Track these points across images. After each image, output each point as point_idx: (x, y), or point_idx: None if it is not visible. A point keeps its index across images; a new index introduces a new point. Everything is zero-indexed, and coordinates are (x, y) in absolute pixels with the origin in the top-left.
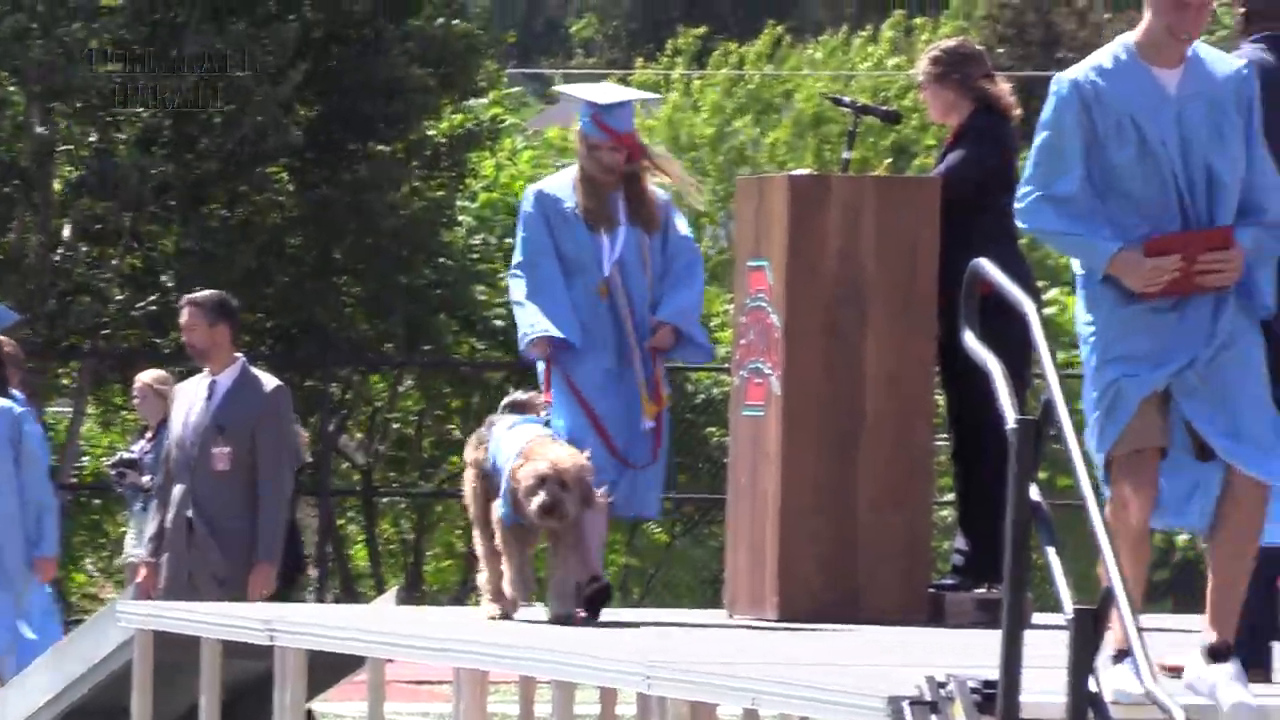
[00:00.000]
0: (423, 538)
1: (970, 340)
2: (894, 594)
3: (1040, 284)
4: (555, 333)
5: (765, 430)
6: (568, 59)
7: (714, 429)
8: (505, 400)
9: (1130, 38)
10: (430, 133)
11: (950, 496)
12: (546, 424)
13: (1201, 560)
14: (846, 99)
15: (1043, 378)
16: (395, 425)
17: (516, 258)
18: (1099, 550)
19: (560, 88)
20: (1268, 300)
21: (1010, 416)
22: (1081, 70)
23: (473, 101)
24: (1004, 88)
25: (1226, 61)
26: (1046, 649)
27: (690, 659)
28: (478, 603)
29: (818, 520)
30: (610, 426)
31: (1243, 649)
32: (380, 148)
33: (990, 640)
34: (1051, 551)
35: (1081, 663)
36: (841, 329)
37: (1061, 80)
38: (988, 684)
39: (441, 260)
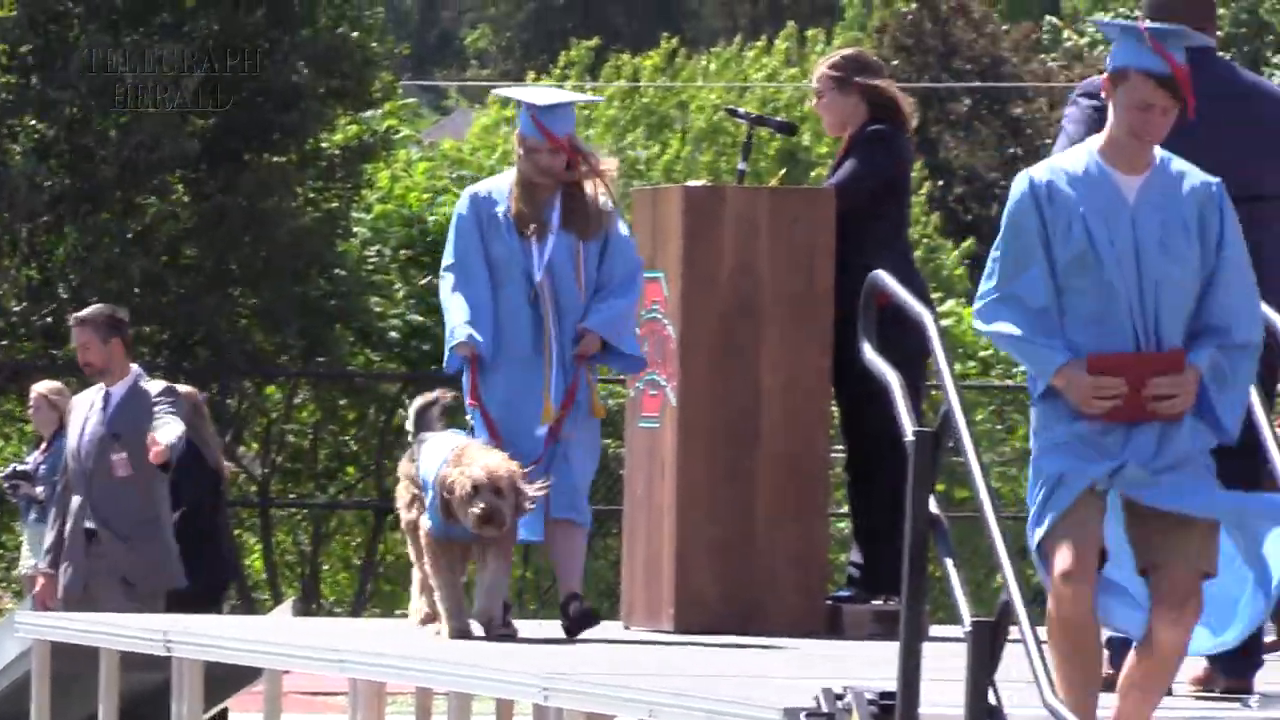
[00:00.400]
0: (319, 549)
1: (869, 352)
2: (791, 606)
3: (935, 295)
4: (479, 336)
5: (661, 442)
6: (462, 70)
7: (610, 441)
8: (414, 406)
9: (1096, 142)
10: (325, 144)
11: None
12: (471, 431)
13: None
14: (741, 110)
15: (941, 389)
16: (291, 437)
17: (447, 259)
18: (998, 562)
19: (499, 89)
20: (1229, 424)
21: (908, 428)
22: (1041, 168)
23: (367, 113)
24: (900, 97)
25: (1196, 175)
26: (945, 661)
27: (587, 671)
28: (375, 614)
29: (714, 532)
30: (506, 437)
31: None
32: (275, 159)
33: (888, 652)
34: (950, 563)
35: (980, 675)
36: (737, 341)
37: (1019, 178)
38: (885, 696)
39: (337, 271)
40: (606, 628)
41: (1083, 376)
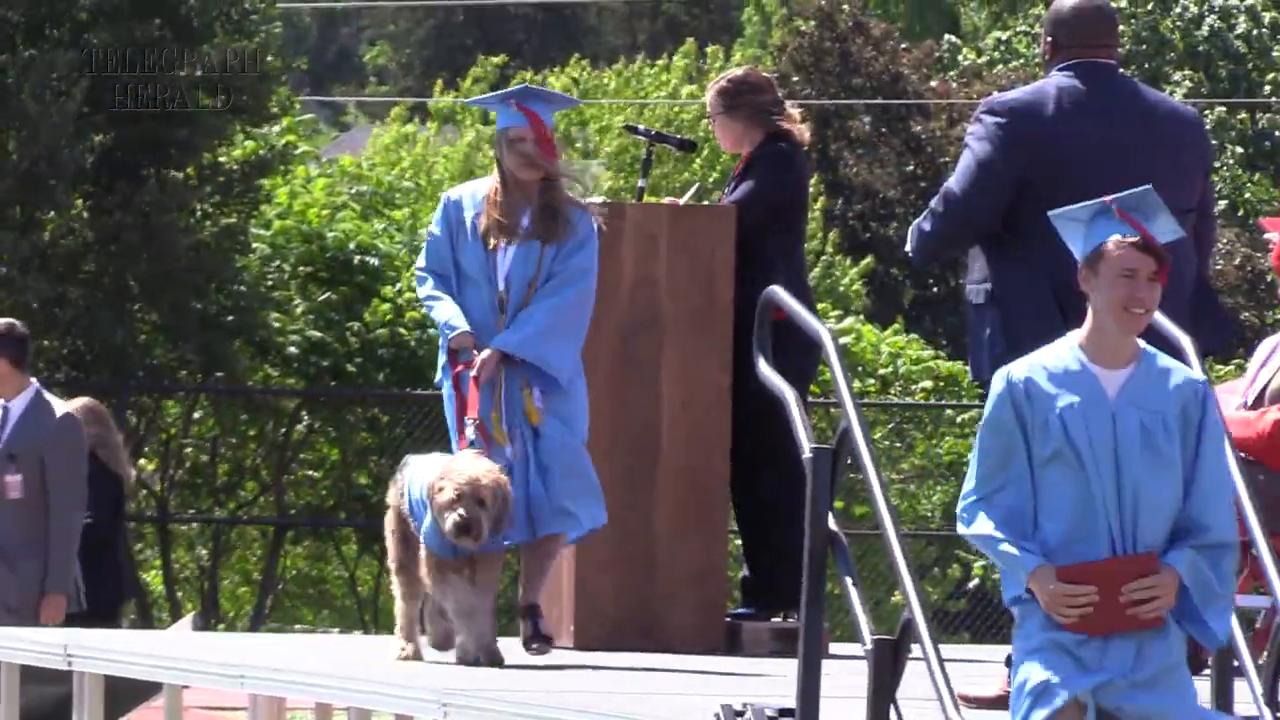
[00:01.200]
0: (218, 564)
1: (764, 368)
2: (690, 622)
3: (834, 313)
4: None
5: None
6: (361, 87)
7: None
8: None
9: (1077, 336)
10: (223, 159)
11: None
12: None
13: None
14: (641, 127)
15: (839, 406)
16: (189, 452)
17: (421, 261)
18: (898, 579)
19: (470, 100)
20: (1219, 630)
21: (806, 445)
22: (1020, 365)
23: (265, 128)
24: (795, 115)
25: (1181, 372)
26: (845, 679)
27: (486, 687)
28: (274, 629)
29: (613, 549)
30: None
31: None
32: (174, 174)
33: (788, 669)
34: (849, 581)
35: (880, 693)
36: (637, 355)
37: (997, 377)
38: (785, 713)
39: (236, 287)
40: (506, 644)
41: (1053, 585)
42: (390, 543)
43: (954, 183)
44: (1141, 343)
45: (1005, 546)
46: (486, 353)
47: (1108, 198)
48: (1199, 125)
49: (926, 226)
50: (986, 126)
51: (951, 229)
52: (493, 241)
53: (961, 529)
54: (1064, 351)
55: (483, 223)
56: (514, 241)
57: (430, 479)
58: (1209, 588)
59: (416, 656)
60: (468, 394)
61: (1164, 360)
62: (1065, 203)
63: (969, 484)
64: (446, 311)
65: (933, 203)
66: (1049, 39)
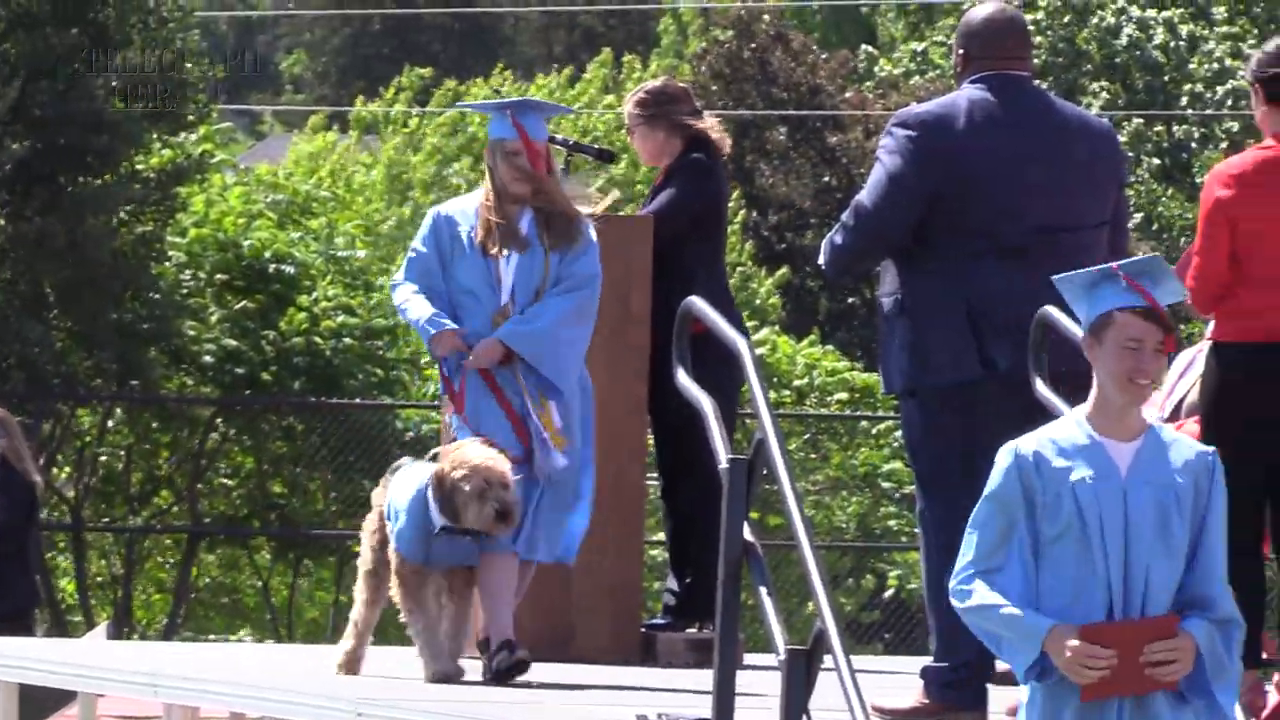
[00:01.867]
0: (132, 572)
1: (683, 378)
2: (606, 633)
3: (750, 324)
4: (452, 325)
5: None
6: (278, 96)
7: None
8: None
9: (1083, 410)
10: (140, 167)
11: (661, 536)
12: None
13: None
14: (559, 137)
15: (756, 417)
16: (104, 460)
17: (399, 276)
18: (812, 590)
19: (461, 105)
20: (1228, 706)
21: (722, 456)
22: (1028, 440)
23: (183, 136)
24: (713, 125)
25: (1190, 444)
26: (759, 689)
27: (400, 696)
28: (188, 637)
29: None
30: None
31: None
32: (91, 181)
33: (703, 680)
34: (764, 591)
35: (794, 702)
36: None
37: (1003, 453)
38: None
39: (151, 295)
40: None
41: (1073, 643)
42: (366, 544)
43: (865, 196)
44: (1147, 414)
45: (1010, 611)
46: (489, 340)
47: (1115, 264)
48: (1112, 138)
49: (839, 240)
50: (898, 140)
51: (863, 242)
52: (494, 249)
53: (957, 603)
54: (1071, 426)
55: (480, 233)
56: (516, 250)
57: (439, 469)
58: (1220, 661)
59: (353, 666)
60: (457, 389)
61: (1170, 432)
62: (976, 216)
63: (965, 558)
64: (423, 309)
65: (844, 216)
66: (961, 51)
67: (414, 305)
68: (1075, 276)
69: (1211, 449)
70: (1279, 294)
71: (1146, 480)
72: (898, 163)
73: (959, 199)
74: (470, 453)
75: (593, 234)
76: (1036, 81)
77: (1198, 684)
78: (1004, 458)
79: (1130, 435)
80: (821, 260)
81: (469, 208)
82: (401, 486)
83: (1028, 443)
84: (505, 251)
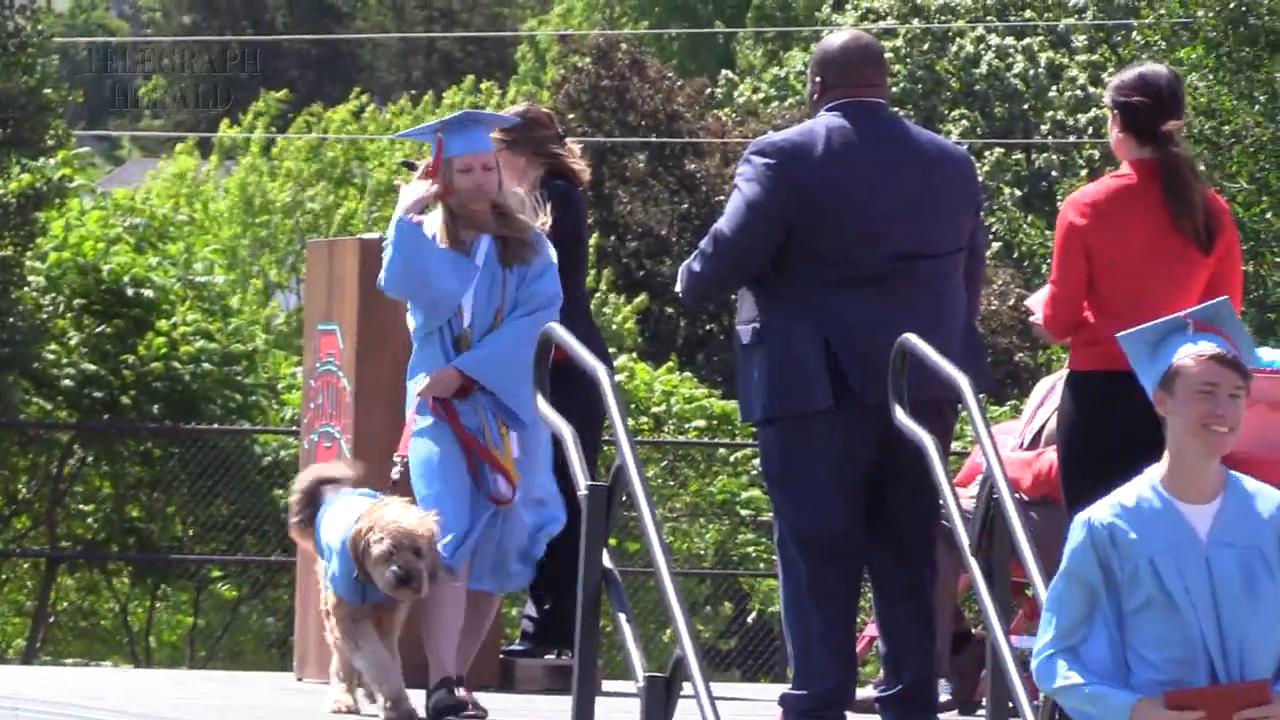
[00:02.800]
0: None
1: (542, 405)
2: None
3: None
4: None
5: None
6: (136, 121)
7: (282, 492)
8: (310, 478)
9: (1157, 472)
10: None
11: None
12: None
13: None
14: (416, 163)
15: (615, 444)
16: None
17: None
18: (670, 616)
19: (403, 133)
20: None
21: (581, 482)
22: (1100, 510)
23: (41, 161)
24: (575, 151)
25: (1271, 496)
26: (617, 716)
27: (255, 718)
28: (47, 661)
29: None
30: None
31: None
32: None
33: (561, 706)
34: (623, 618)
35: None
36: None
37: (1078, 522)
38: None
39: (11, 320)
40: (278, 679)
41: (1161, 713)
42: (324, 590)
43: (724, 224)
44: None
45: (1096, 689)
46: (446, 370)
47: (1183, 312)
48: (969, 164)
49: (696, 267)
50: (755, 168)
51: (722, 270)
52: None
53: (1040, 685)
54: (1145, 489)
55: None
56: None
57: (356, 528)
58: None
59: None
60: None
61: (1250, 484)
62: (833, 244)
63: (1045, 637)
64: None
65: (703, 244)
66: (818, 79)
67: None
68: (1142, 332)
69: None
70: (1134, 323)
71: (1228, 543)
72: (756, 190)
73: (816, 227)
74: (387, 514)
75: (551, 253)
76: (894, 109)
77: None
78: (1078, 532)
79: (1207, 495)
80: (679, 287)
81: (432, 230)
82: (332, 525)
83: (1100, 513)
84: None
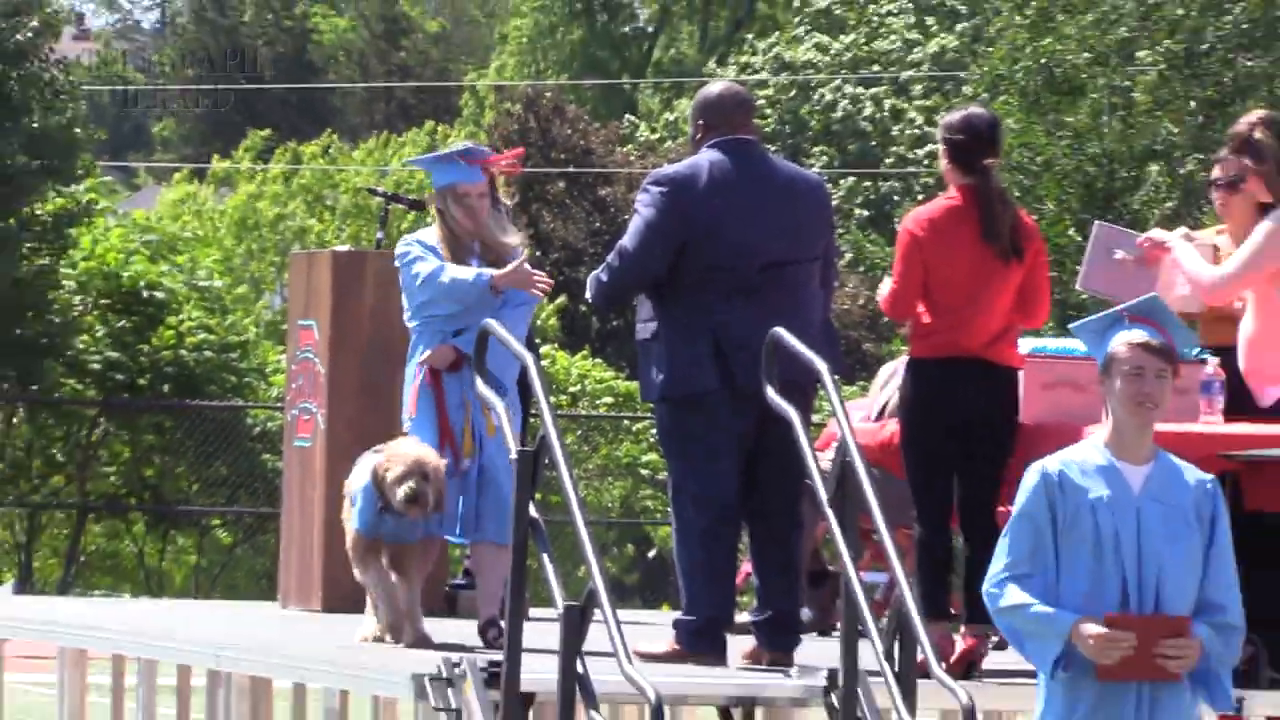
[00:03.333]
0: (33, 541)
1: (481, 386)
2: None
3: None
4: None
5: (312, 458)
6: (150, 154)
7: (269, 456)
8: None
9: (1101, 436)
10: (39, 212)
11: None
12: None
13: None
14: (379, 189)
15: (540, 417)
16: (8, 451)
17: (423, 269)
18: (583, 556)
19: (413, 160)
20: (1227, 696)
21: (512, 449)
22: (1053, 461)
23: (72, 187)
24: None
25: (1192, 472)
26: (542, 638)
27: (251, 641)
28: (79, 594)
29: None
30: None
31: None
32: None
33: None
34: (546, 557)
35: (570, 648)
36: (375, 377)
37: (1032, 471)
38: (494, 664)
39: (49, 316)
40: (266, 607)
41: (1099, 629)
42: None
43: (626, 241)
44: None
45: (1039, 609)
46: (444, 346)
47: (1121, 306)
48: (823, 189)
49: (604, 278)
50: (652, 195)
51: (625, 280)
52: None
53: (990, 605)
54: (1090, 450)
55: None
56: None
57: (377, 461)
58: (1222, 659)
59: (379, 639)
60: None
61: (1175, 460)
62: (717, 257)
63: (997, 566)
64: (463, 270)
65: (609, 258)
66: (700, 121)
67: (459, 272)
68: (1088, 323)
69: (1212, 477)
70: (960, 316)
71: (1157, 499)
72: (652, 214)
73: (702, 243)
74: (401, 446)
75: (527, 266)
76: (764, 145)
77: (1200, 676)
78: (1032, 477)
79: (1142, 459)
80: (589, 294)
81: (429, 239)
82: (358, 475)
83: (1053, 464)
84: None
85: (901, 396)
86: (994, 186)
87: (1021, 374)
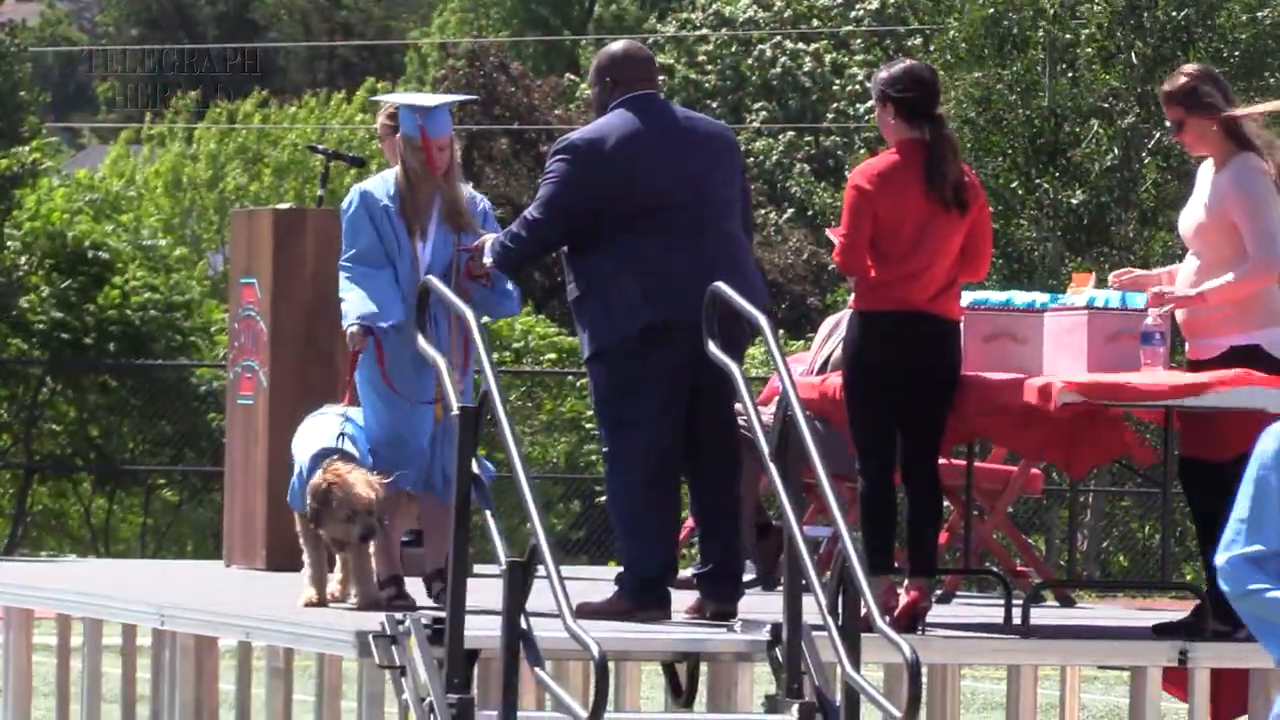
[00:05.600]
0: None
1: (422, 342)
2: None
3: None
4: (374, 320)
5: (255, 416)
6: (94, 114)
7: (214, 415)
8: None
9: None
10: None
11: None
12: (344, 416)
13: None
14: (320, 147)
15: (481, 374)
16: None
17: (346, 255)
18: (527, 513)
19: (383, 97)
20: None
21: (454, 404)
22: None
23: (17, 148)
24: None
25: None
26: (486, 594)
27: (195, 600)
28: (24, 555)
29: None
30: (395, 409)
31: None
32: None
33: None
34: (489, 514)
35: (514, 604)
36: (317, 333)
37: (1266, 435)
38: (438, 621)
39: None
40: (211, 566)
41: None
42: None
43: (534, 209)
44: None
45: (1275, 594)
46: (353, 331)
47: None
48: (730, 135)
49: (511, 244)
50: (556, 166)
51: (530, 249)
52: (413, 229)
53: (1226, 587)
54: None
55: (397, 208)
56: (428, 229)
57: (315, 478)
58: None
59: (321, 603)
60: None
61: None
62: (636, 205)
63: (1231, 534)
64: (355, 308)
65: (514, 225)
66: (607, 79)
67: (351, 300)
68: None
69: None
70: (907, 269)
71: None
72: (554, 188)
73: (618, 198)
74: (341, 475)
75: (490, 214)
76: (671, 98)
77: None
78: (1264, 442)
79: None
80: (490, 259)
81: (388, 181)
82: (303, 442)
83: None
84: (418, 227)
85: (846, 349)
86: (947, 135)
87: (961, 326)
